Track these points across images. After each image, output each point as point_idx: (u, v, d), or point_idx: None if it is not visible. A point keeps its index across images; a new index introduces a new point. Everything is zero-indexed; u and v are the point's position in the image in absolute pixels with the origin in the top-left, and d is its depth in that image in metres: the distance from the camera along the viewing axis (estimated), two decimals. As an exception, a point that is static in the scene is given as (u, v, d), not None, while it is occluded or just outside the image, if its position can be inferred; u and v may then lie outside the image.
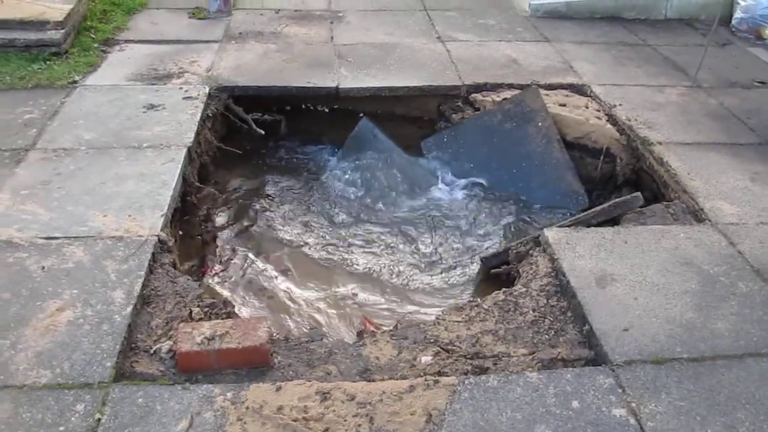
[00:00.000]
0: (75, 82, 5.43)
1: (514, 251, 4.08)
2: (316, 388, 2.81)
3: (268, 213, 5.06)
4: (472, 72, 6.02)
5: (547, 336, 3.23)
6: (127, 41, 6.37)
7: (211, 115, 5.26)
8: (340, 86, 5.68)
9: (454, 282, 4.47)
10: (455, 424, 2.67)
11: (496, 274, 4.27)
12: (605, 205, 4.38)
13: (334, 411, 2.70)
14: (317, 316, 4.07)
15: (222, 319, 3.24)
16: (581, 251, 3.72)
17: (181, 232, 4.32)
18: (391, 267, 4.56)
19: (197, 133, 4.81)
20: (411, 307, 4.21)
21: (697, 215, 4.20)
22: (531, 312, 3.39)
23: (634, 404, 2.79)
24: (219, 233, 4.79)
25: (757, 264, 3.69)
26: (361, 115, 5.80)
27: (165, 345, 3.03)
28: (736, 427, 2.70)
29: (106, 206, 3.89)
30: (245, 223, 4.94)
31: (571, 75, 6.11)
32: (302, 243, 4.75)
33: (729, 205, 4.24)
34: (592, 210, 4.40)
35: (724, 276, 3.58)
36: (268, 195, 5.30)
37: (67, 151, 4.45)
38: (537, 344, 3.18)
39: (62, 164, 4.30)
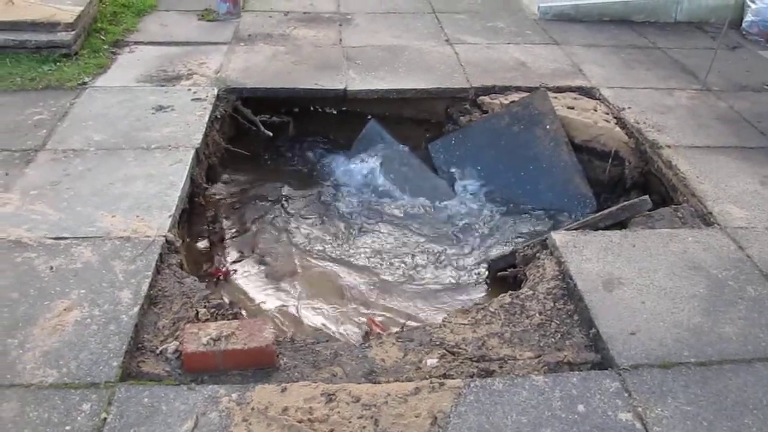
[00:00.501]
0: (85, 83, 5.47)
1: (521, 254, 4.07)
2: (322, 390, 2.81)
3: (275, 214, 5.07)
4: (480, 75, 6.01)
5: (553, 339, 3.22)
6: (136, 43, 6.41)
7: (219, 116, 5.28)
8: (348, 88, 5.69)
9: (461, 284, 4.46)
10: (460, 426, 2.66)
11: (503, 276, 4.26)
12: (613, 208, 4.36)
13: (339, 413, 2.71)
14: (323, 318, 4.07)
15: (228, 319, 3.25)
16: (588, 254, 3.71)
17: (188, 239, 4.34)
18: (397, 268, 4.56)
19: (205, 135, 4.84)
20: (417, 309, 4.21)
21: (705, 219, 4.17)
22: (537, 315, 3.38)
23: (640, 408, 2.77)
24: (227, 234, 4.81)
25: (765, 268, 3.67)
26: (369, 117, 5.81)
27: (171, 345, 3.04)
28: (744, 433, 2.68)
29: (115, 207, 3.92)
30: (253, 224, 4.95)
31: (580, 78, 6.09)
32: (309, 243, 4.76)
33: (738, 209, 4.21)
34: (600, 213, 4.39)
35: (733, 280, 3.56)
36: (276, 196, 5.30)
37: (77, 152, 4.48)
38: (543, 347, 3.17)
39: (71, 165, 4.33)
